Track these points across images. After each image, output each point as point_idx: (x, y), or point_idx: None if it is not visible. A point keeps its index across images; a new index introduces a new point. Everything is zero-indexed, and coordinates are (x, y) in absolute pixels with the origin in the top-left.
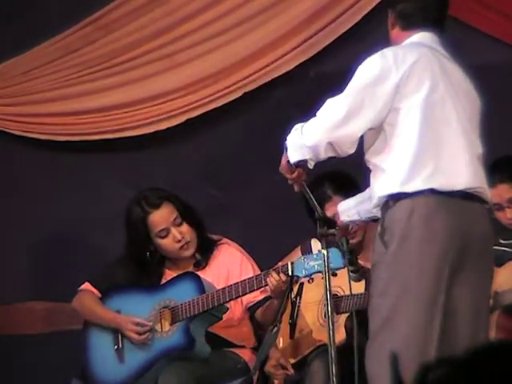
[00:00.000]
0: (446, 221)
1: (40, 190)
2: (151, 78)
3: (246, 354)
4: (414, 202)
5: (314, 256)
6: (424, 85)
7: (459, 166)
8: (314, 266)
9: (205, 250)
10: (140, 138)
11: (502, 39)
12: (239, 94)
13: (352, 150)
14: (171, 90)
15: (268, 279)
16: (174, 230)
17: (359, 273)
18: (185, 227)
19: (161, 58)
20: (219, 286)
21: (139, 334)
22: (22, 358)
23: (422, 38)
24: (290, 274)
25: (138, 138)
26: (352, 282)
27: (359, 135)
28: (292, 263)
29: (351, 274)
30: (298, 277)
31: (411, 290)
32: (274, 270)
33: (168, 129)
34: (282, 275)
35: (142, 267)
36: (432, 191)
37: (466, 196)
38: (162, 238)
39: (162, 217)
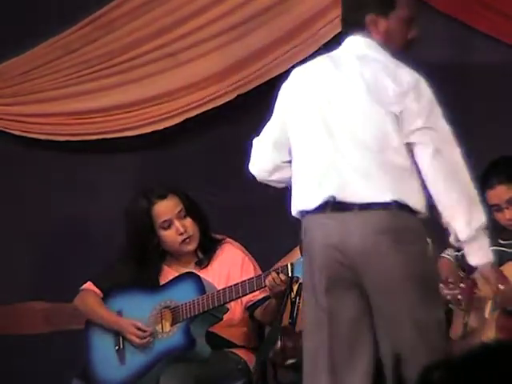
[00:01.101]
0: (310, 240)
1: (40, 190)
2: (152, 77)
3: (246, 355)
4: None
5: None
6: (296, 109)
7: (318, 181)
8: None
9: (208, 248)
10: (140, 137)
11: (502, 39)
12: (239, 93)
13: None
14: (172, 90)
15: (267, 279)
16: (177, 223)
17: None
18: (188, 221)
19: (162, 57)
20: (220, 285)
21: (140, 338)
22: (22, 358)
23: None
24: (290, 274)
25: (138, 138)
26: None
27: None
28: (292, 264)
29: None
30: (297, 277)
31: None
32: (274, 270)
33: (168, 128)
34: (281, 275)
35: (142, 262)
36: (301, 213)
37: (334, 208)
38: (165, 229)
39: (166, 207)
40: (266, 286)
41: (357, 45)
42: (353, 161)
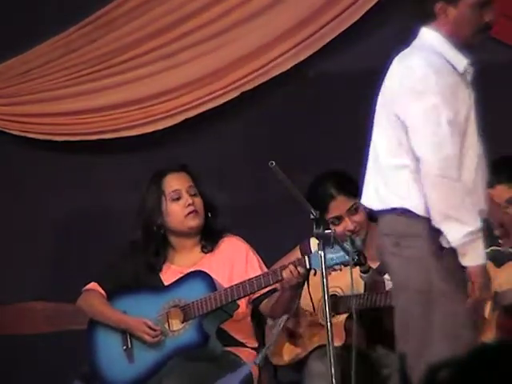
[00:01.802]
0: None
1: (39, 190)
2: (151, 77)
3: (246, 356)
4: None
5: (332, 249)
6: None
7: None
8: (332, 258)
9: (211, 236)
10: (139, 137)
11: (502, 40)
12: (238, 93)
13: None
14: (170, 89)
15: (284, 272)
16: (185, 195)
17: (369, 273)
18: (197, 199)
19: (160, 57)
20: (223, 278)
21: (152, 336)
22: (23, 359)
23: None
24: (308, 266)
25: (137, 138)
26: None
27: None
28: (309, 256)
29: (362, 274)
30: (315, 269)
31: None
32: (292, 263)
33: (168, 128)
34: (299, 268)
35: (145, 252)
36: None
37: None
38: (173, 200)
39: (178, 179)
40: (276, 282)
41: (419, 37)
42: (370, 169)
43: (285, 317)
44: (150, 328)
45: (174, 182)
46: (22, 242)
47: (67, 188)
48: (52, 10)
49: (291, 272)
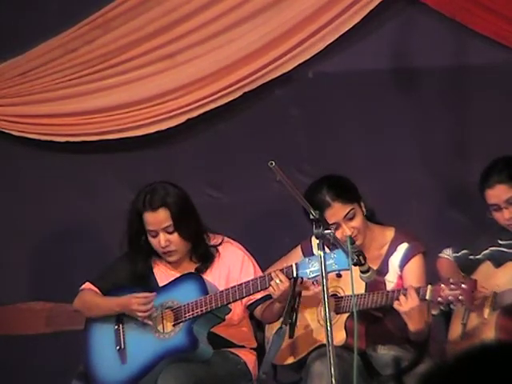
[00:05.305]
0: None
1: (40, 191)
2: (150, 77)
3: (245, 355)
4: None
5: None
6: None
7: None
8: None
9: (205, 258)
10: (140, 138)
11: (501, 41)
12: (239, 93)
13: None
14: (171, 89)
15: (270, 286)
16: (161, 236)
17: (370, 273)
18: (174, 237)
19: (160, 58)
20: (220, 285)
21: (145, 304)
22: (22, 359)
23: None
24: (295, 275)
25: (138, 138)
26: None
27: None
28: (297, 264)
29: (361, 274)
30: (302, 278)
31: None
32: (278, 273)
33: (168, 129)
34: (282, 277)
35: (137, 256)
36: None
37: None
38: (152, 236)
39: (154, 219)
40: (265, 289)
41: None
42: None
43: (286, 327)
44: (140, 298)
45: (150, 222)
46: (21, 242)
47: (67, 188)
48: (51, 10)
49: (276, 284)
